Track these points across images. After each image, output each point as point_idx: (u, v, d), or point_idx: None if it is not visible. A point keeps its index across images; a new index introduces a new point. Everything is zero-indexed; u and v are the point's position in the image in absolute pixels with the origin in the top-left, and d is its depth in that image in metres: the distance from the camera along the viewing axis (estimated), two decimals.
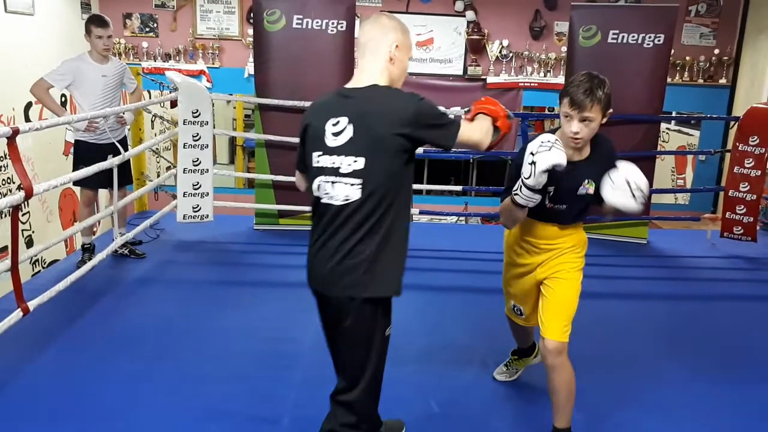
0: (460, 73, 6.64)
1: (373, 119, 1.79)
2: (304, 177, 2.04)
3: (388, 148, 1.78)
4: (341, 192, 1.81)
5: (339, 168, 1.81)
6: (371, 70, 1.88)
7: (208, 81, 6.41)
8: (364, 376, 1.95)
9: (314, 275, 1.96)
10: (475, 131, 1.92)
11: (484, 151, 1.98)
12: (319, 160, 1.86)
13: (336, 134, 1.81)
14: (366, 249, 1.82)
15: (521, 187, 2.04)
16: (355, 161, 1.79)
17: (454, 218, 6.37)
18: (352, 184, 1.80)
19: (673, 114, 6.92)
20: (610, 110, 2.16)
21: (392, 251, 1.86)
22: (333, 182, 1.83)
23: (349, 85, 1.91)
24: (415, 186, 4.42)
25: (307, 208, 5.32)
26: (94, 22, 4.02)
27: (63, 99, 5.13)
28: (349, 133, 1.80)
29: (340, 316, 1.92)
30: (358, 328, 1.90)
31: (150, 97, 6.36)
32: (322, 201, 1.87)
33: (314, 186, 1.89)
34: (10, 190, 4.68)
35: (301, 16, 4.86)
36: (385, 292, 1.89)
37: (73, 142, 4.19)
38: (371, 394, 2.01)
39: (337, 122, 1.81)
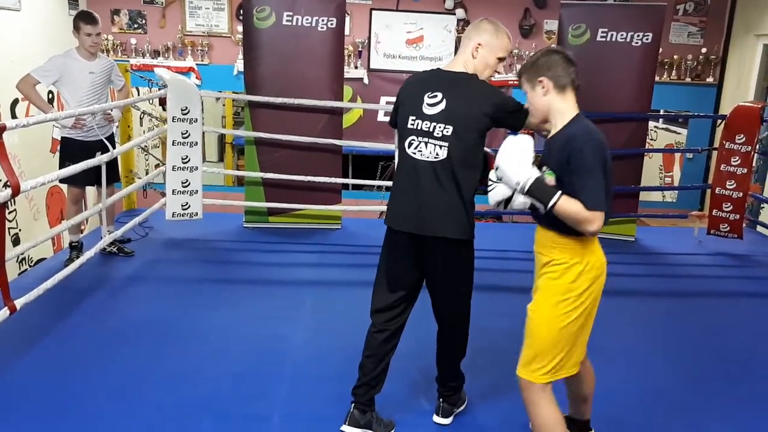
0: None
1: (464, 98, 2.22)
2: None
3: (473, 123, 2.20)
4: (432, 150, 2.21)
5: (432, 132, 2.22)
6: (460, 60, 2.32)
7: (197, 78, 6.37)
8: (461, 301, 2.44)
9: (401, 217, 2.31)
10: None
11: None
12: (414, 123, 2.26)
13: (432, 105, 2.24)
14: (449, 198, 2.22)
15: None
16: (446, 128, 2.20)
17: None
18: (441, 146, 2.21)
19: (661, 112, 6.97)
20: (540, 78, 2.01)
21: (468, 203, 2.26)
22: (426, 142, 2.23)
23: (444, 67, 2.34)
24: None
25: (298, 206, 5.33)
26: (83, 18, 3.98)
27: (50, 96, 5.08)
28: (442, 105, 2.22)
29: (425, 253, 2.30)
30: (445, 264, 2.31)
31: (138, 95, 6.32)
32: (414, 156, 2.26)
33: (406, 143, 2.28)
34: None
35: (291, 13, 4.84)
36: (461, 235, 2.26)
37: (60, 139, 4.16)
38: (467, 314, 2.49)
39: (435, 95, 2.24)
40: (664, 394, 2.88)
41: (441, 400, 2.58)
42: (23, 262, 4.97)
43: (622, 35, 4.99)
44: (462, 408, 2.65)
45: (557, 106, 2.02)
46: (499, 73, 2.46)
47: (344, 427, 2.40)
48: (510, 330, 3.44)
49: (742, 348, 3.42)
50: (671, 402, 2.82)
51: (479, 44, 2.28)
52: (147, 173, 6.30)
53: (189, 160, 4.56)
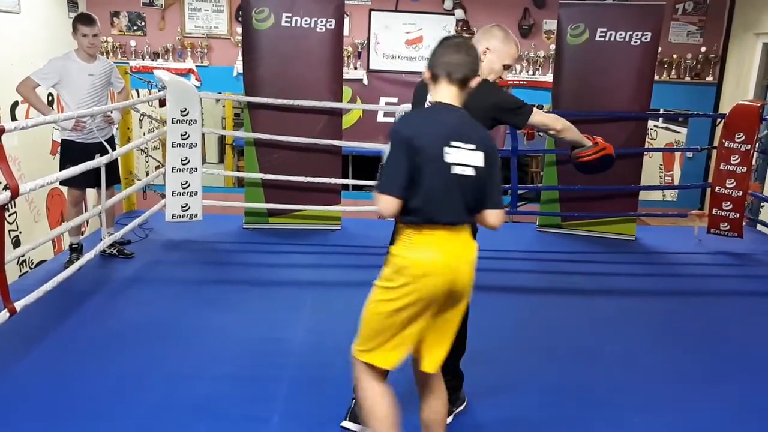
0: None
1: (469, 99, 2.19)
2: None
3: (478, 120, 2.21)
4: None
5: None
6: None
7: (196, 80, 6.37)
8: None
9: None
10: (548, 118, 2.46)
11: (560, 138, 2.52)
12: None
13: None
14: None
15: None
16: None
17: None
18: None
19: (661, 111, 6.97)
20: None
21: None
22: None
23: None
24: None
25: (297, 207, 5.33)
26: (81, 20, 3.99)
27: (50, 98, 5.09)
28: None
29: None
30: None
31: (138, 96, 6.32)
32: None
33: None
34: None
35: (289, 15, 4.85)
36: None
37: (60, 141, 4.16)
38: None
39: None
40: (664, 393, 2.88)
41: None
42: (23, 264, 4.98)
43: (620, 35, 4.99)
44: (461, 408, 2.65)
45: (430, 94, 2.04)
46: (501, 79, 2.47)
47: (344, 423, 2.41)
48: (508, 329, 3.45)
49: (743, 347, 3.42)
50: (672, 401, 2.81)
51: (487, 48, 2.36)
52: (147, 175, 6.31)
53: (188, 161, 4.56)
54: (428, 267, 1.92)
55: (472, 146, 1.92)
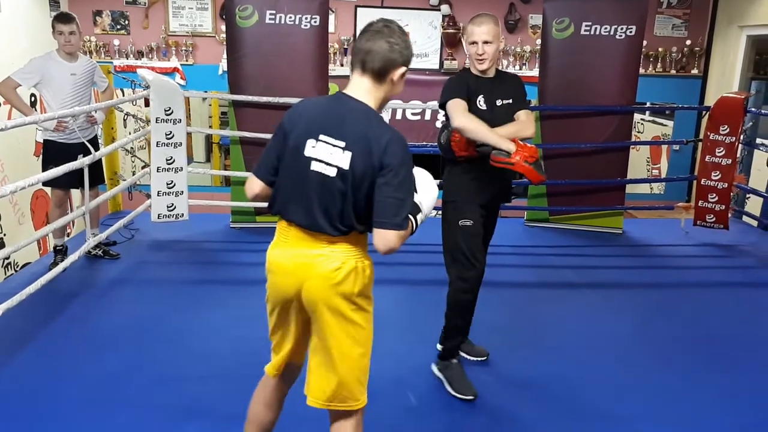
0: (437, 67, 6.64)
1: None
2: None
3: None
4: None
5: None
6: None
7: (182, 78, 6.33)
8: (446, 261, 2.75)
9: None
10: (455, 111, 2.50)
11: (465, 134, 2.51)
12: None
13: None
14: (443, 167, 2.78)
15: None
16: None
17: (434, 212, 6.41)
18: None
19: (647, 104, 7.01)
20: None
21: (442, 168, 2.77)
22: None
23: None
24: None
25: None
26: (57, 18, 3.97)
27: (33, 99, 5.04)
28: None
29: None
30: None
31: (123, 96, 6.28)
32: None
33: None
34: None
35: (273, 12, 4.82)
36: (444, 198, 2.74)
37: (42, 142, 4.12)
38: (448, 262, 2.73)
39: None
40: (653, 385, 2.89)
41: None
42: (9, 266, 4.93)
43: (605, 29, 5.00)
44: (444, 377, 2.76)
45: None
46: (480, 54, 2.64)
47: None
48: (496, 324, 3.45)
49: (730, 336, 3.44)
50: (660, 393, 2.83)
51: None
52: (134, 175, 6.26)
53: (174, 161, 4.53)
54: (272, 264, 1.82)
55: (342, 144, 1.67)
